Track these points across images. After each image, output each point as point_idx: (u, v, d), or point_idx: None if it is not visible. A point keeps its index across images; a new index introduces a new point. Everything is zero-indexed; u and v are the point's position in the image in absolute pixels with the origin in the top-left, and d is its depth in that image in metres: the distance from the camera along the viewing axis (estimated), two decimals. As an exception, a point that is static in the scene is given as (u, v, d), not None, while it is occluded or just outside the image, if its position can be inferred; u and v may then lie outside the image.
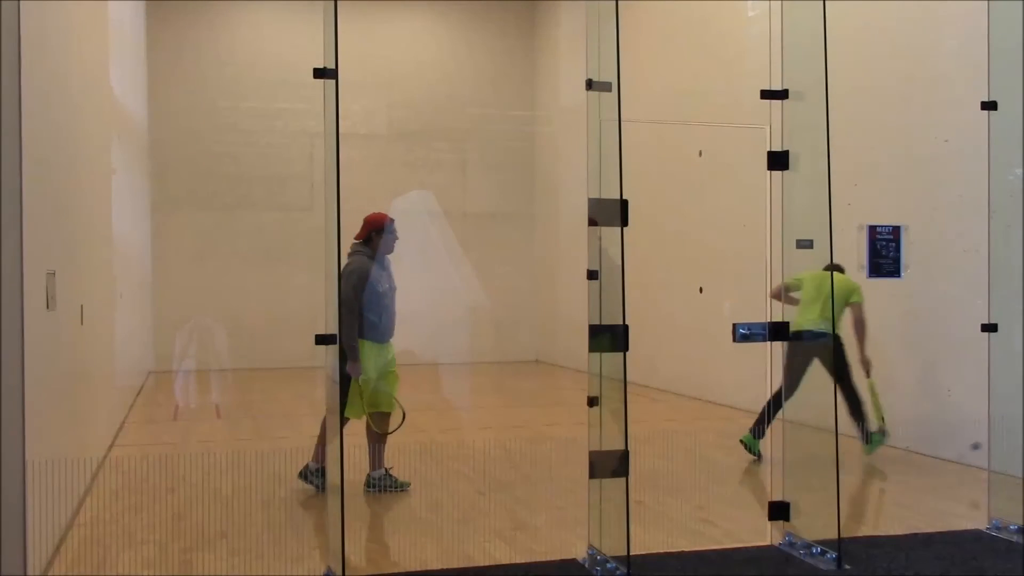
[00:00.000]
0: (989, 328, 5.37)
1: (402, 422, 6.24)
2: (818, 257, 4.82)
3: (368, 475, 6.18)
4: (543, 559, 4.72)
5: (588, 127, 4.55)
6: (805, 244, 4.82)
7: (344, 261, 5.69)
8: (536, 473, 6.69)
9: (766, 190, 5.29)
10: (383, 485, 6.14)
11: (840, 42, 5.70)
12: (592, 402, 4.60)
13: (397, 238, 6.23)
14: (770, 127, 4.97)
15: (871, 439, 7.15)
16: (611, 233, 4.47)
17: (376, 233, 6.12)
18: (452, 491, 6.26)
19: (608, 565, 4.44)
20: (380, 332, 6.12)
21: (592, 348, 4.58)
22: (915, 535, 5.08)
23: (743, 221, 9.49)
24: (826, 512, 4.64)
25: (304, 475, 6.18)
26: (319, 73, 4.11)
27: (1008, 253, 5.36)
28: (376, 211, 6.25)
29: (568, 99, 13.79)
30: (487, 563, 4.66)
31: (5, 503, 3.74)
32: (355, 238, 6.15)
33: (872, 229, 6.84)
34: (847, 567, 4.53)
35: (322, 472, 5.98)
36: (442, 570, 4.53)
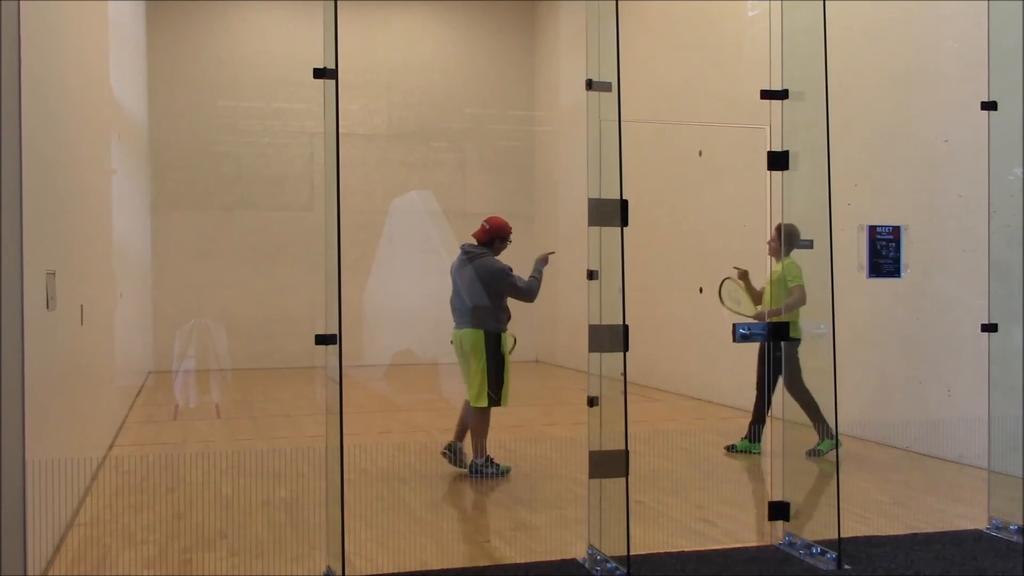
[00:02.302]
0: (989, 328, 5.37)
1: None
2: (818, 257, 4.81)
3: (472, 462, 6.59)
4: (543, 559, 4.72)
5: (588, 127, 4.55)
6: (805, 244, 4.82)
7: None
8: (536, 473, 6.69)
9: (766, 190, 5.29)
10: (486, 472, 6.55)
11: (840, 42, 5.71)
12: (592, 402, 4.60)
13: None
14: (770, 127, 4.97)
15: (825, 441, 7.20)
16: (611, 233, 4.46)
17: (500, 240, 6.72)
18: (452, 491, 6.26)
19: (608, 565, 4.44)
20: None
21: (592, 347, 4.58)
22: (915, 535, 5.08)
23: (743, 221, 9.50)
24: (826, 512, 4.64)
25: (475, 470, 6.52)
26: (319, 73, 4.11)
27: (1008, 253, 5.36)
28: (496, 215, 6.81)
29: (568, 99, 13.80)
30: (487, 563, 4.66)
31: (5, 503, 3.74)
32: (477, 237, 6.71)
33: (872, 229, 6.85)
34: (847, 567, 4.53)
35: (490, 461, 6.57)
36: (442, 570, 4.53)
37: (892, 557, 4.68)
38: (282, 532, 5.29)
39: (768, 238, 7.13)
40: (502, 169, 15.29)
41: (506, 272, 6.60)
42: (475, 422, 6.59)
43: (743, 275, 7.36)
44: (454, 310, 6.78)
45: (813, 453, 7.09)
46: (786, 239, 7.33)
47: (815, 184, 4.74)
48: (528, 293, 6.61)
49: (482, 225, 6.76)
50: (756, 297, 7.46)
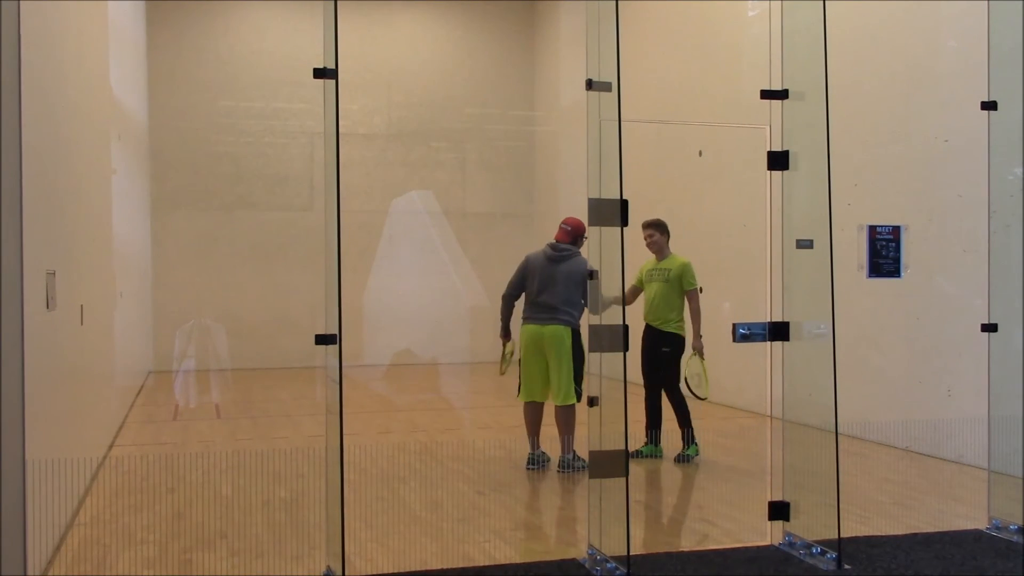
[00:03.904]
0: (989, 328, 5.36)
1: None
2: (818, 257, 4.81)
3: (561, 457, 6.74)
4: (543, 559, 4.72)
5: (588, 127, 4.55)
6: (805, 244, 4.82)
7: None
8: (536, 473, 6.69)
9: (766, 190, 5.29)
10: (576, 466, 6.67)
11: (840, 42, 5.71)
12: (592, 402, 4.60)
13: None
14: (770, 127, 4.97)
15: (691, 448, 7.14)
16: (611, 233, 4.47)
17: (582, 238, 6.82)
18: (452, 491, 6.26)
19: (608, 565, 4.44)
20: None
21: (592, 347, 4.58)
22: (915, 535, 5.08)
23: (743, 221, 9.50)
24: (826, 512, 4.64)
25: (565, 465, 6.68)
26: (319, 73, 4.11)
27: (1008, 253, 5.36)
28: (572, 216, 6.90)
29: (568, 99, 13.80)
30: (487, 563, 4.66)
31: (5, 503, 3.74)
32: (561, 240, 6.84)
33: (872, 229, 6.85)
34: (847, 567, 4.53)
35: (577, 455, 6.69)
36: (442, 570, 4.53)
37: (892, 557, 4.68)
38: (282, 532, 5.29)
39: (768, 238, 7.10)
40: (502, 169, 15.29)
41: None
42: (568, 419, 6.68)
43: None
44: (534, 305, 6.80)
45: (681, 459, 7.05)
46: (664, 233, 7.22)
47: (815, 184, 4.73)
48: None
49: (562, 228, 6.87)
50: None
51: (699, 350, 7.00)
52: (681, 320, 7.15)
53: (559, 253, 6.81)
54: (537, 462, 6.74)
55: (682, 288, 7.09)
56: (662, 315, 7.12)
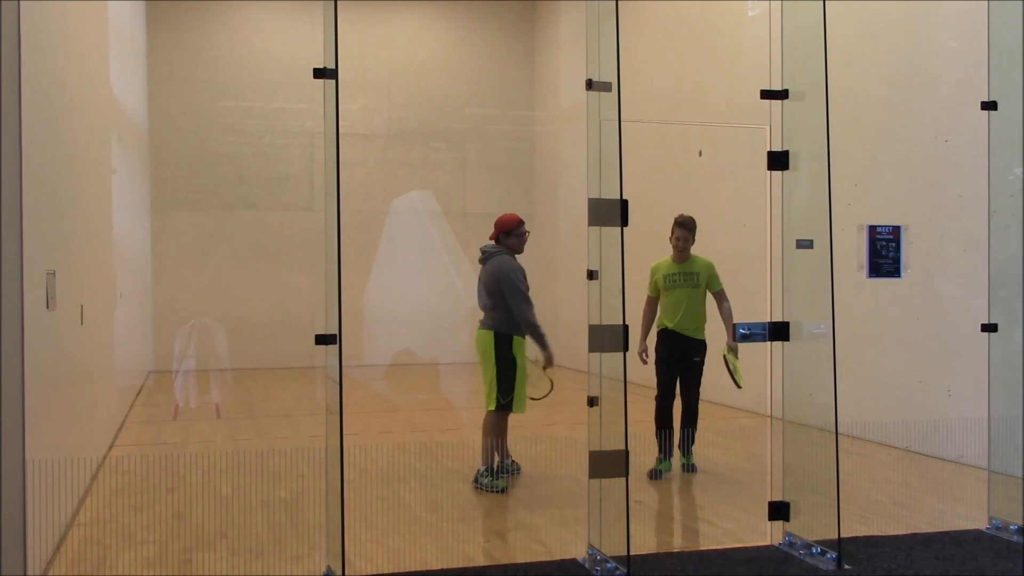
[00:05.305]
0: (989, 328, 5.37)
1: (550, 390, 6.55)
2: (818, 257, 4.81)
3: (482, 469, 6.31)
4: (543, 559, 4.72)
5: (588, 127, 4.55)
6: (805, 244, 4.82)
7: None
8: (536, 473, 6.69)
9: (766, 190, 5.29)
10: (481, 483, 6.26)
11: (840, 42, 5.71)
12: (592, 402, 4.60)
13: (526, 239, 6.64)
14: (770, 127, 4.97)
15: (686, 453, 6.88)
16: (611, 233, 4.46)
17: (506, 235, 6.52)
18: (452, 491, 6.26)
19: (608, 565, 4.44)
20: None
21: (592, 347, 4.58)
22: (915, 535, 5.08)
23: (743, 221, 9.50)
24: (826, 512, 4.64)
25: (476, 478, 6.30)
26: (319, 73, 4.11)
27: (1008, 253, 5.37)
28: (505, 213, 6.68)
29: (568, 99, 13.80)
30: (487, 563, 4.66)
31: (5, 503, 3.74)
32: (491, 239, 6.62)
33: (872, 229, 6.84)
34: (847, 567, 4.53)
35: (488, 471, 6.29)
36: (442, 570, 4.53)
37: (892, 557, 4.68)
38: (282, 532, 5.29)
39: (768, 238, 7.08)
40: (502, 169, 15.29)
41: (514, 270, 6.37)
42: (486, 426, 6.36)
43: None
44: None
45: (689, 468, 6.77)
46: (693, 233, 6.77)
47: (815, 184, 4.74)
48: (522, 303, 6.31)
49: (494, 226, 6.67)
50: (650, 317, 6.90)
51: (735, 348, 6.60)
52: (705, 324, 6.86)
53: (483, 255, 6.59)
54: (506, 471, 6.53)
55: (708, 290, 6.79)
56: (693, 322, 6.76)
